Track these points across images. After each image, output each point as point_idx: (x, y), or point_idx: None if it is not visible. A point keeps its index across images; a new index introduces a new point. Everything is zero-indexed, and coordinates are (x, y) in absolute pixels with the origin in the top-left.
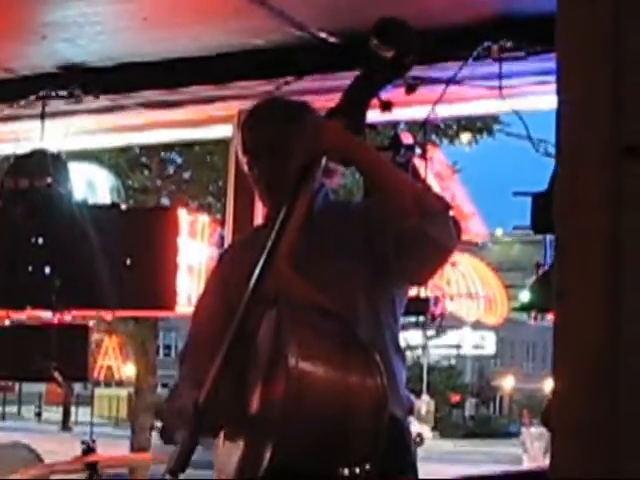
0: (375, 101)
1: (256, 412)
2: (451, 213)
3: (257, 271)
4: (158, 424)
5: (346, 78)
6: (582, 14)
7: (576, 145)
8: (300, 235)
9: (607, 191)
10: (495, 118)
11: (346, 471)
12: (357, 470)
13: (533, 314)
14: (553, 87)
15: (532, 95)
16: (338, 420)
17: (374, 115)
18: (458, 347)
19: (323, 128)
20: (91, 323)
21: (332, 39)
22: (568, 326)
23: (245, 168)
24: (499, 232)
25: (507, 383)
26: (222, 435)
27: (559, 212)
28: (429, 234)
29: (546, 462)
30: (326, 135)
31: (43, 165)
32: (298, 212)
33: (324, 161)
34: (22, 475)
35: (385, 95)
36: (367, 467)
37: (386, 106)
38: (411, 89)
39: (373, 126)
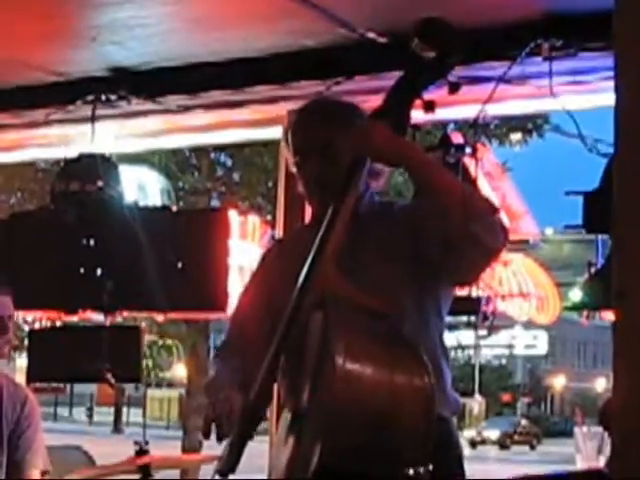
0: (418, 101)
1: (304, 413)
2: (499, 215)
3: (304, 273)
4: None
5: (395, 78)
6: None
7: (635, 142)
8: (346, 237)
9: None
10: (545, 118)
11: (411, 471)
12: (421, 470)
13: (585, 313)
14: (585, 87)
15: (567, 94)
16: (387, 420)
17: (420, 115)
18: (510, 347)
19: (371, 131)
20: (143, 324)
21: (381, 39)
22: (628, 325)
23: (293, 168)
24: (549, 231)
25: (558, 382)
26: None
27: (617, 211)
28: (475, 235)
29: (600, 462)
30: (374, 138)
31: (94, 168)
32: (344, 214)
33: (369, 162)
34: (75, 477)
35: (429, 95)
36: (430, 467)
37: (429, 106)
38: (454, 89)
39: (417, 126)
